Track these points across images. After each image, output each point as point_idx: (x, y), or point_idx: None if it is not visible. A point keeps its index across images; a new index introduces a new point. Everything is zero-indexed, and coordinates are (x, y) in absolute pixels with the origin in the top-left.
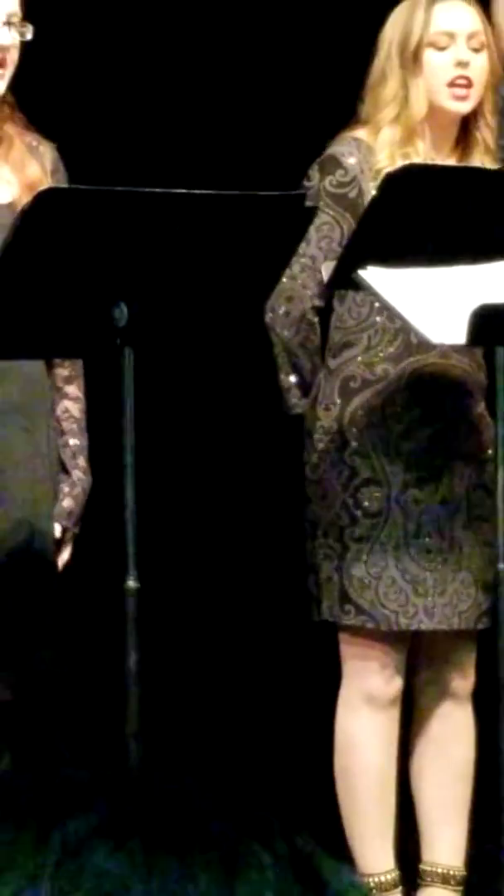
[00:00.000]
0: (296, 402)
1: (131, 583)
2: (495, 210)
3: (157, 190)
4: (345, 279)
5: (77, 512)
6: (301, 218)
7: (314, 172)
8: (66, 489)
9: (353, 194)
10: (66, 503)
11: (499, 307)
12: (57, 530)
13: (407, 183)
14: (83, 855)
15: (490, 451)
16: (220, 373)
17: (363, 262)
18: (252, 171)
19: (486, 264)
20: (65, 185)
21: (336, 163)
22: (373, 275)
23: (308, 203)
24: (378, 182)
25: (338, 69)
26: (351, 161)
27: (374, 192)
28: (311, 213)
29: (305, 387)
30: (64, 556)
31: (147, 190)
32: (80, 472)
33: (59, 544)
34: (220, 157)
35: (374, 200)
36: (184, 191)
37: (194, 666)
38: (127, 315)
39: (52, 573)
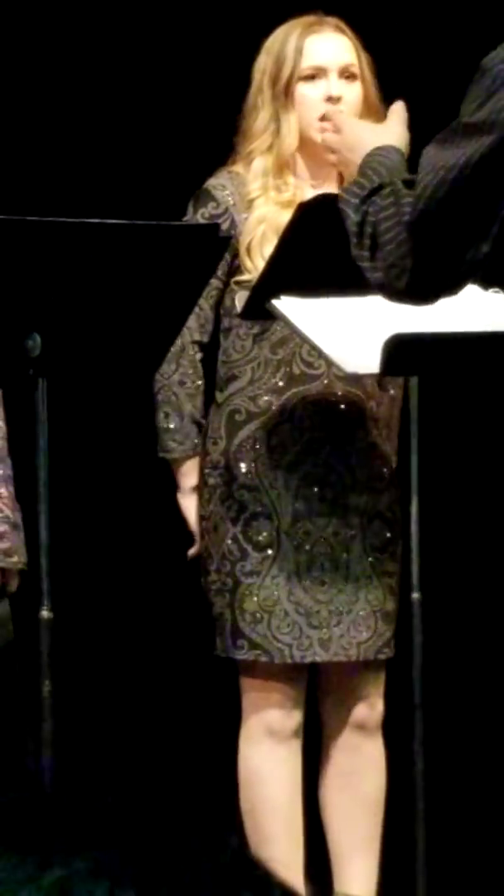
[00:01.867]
0: (173, 445)
1: (45, 612)
2: None
3: (71, 220)
4: (258, 309)
5: (9, 547)
6: (215, 247)
7: (189, 206)
8: None
9: (224, 226)
10: None
11: (412, 336)
12: None
13: (319, 212)
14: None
15: (384, 481)
16: (132, 402)
17: (276, 292)
18: (141, 204)
19: None
20: None
21: (208, 195)
22: (286, 304)
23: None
24: (277, 208)
25: (223, 100)
26: (223, 193)
27: (251, 222)
28: (226, 242)
29: (183, 431)
30: (12, 587)
31: (60, 219)
32: (5, 505)
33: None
34: (111, 187)
35: (287, 230)
36: (97, 220)
37: (105, 696)
38: (40, 345)
39: None
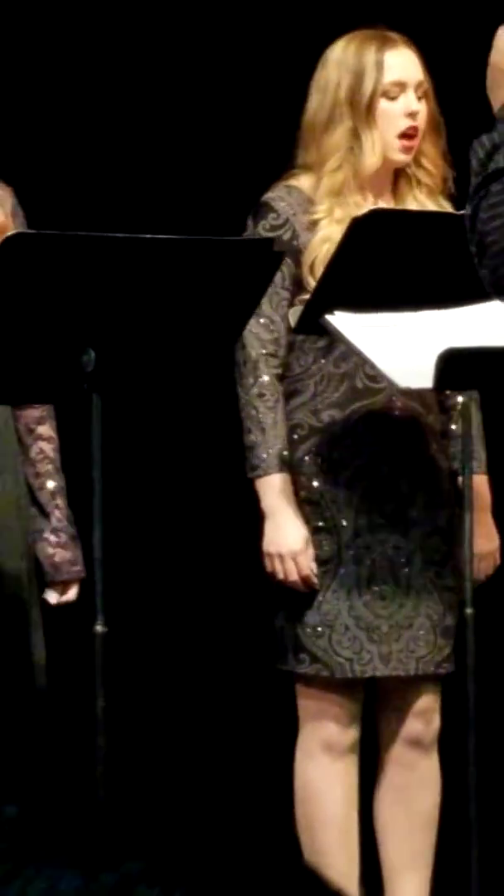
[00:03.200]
0: (256, 463)
1: (99, 627)
2: (460, 254)
3: (126, 235)
4: (312, 324)
5: (71, 556)
6: (269, 263)
7: (249, 221)
8: (52, 538)
9: (286, 236)
10: (57, 556)
11: (465, 351)
12: (52, 597)
13: (373, 227)
14: None
15: (443, 496)
16: (188, 418)
17: (330, 307)
18: (199, 219)
19: (452, 308)
20: (26, 229)
21: (268, 207)
22: (339, 319)
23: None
24: (343, 228)
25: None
26: (282, 205)
27: (313, 239)
28: (280, 257)
29: (266, 447)
30: (70, 595)
31: (115, 235)
32: (61, 516)
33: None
34: (166, 202)
35: (341, 245)
36: (152, 236)
37: (160, 710)
38: (94, 361)
39: (21, 614)
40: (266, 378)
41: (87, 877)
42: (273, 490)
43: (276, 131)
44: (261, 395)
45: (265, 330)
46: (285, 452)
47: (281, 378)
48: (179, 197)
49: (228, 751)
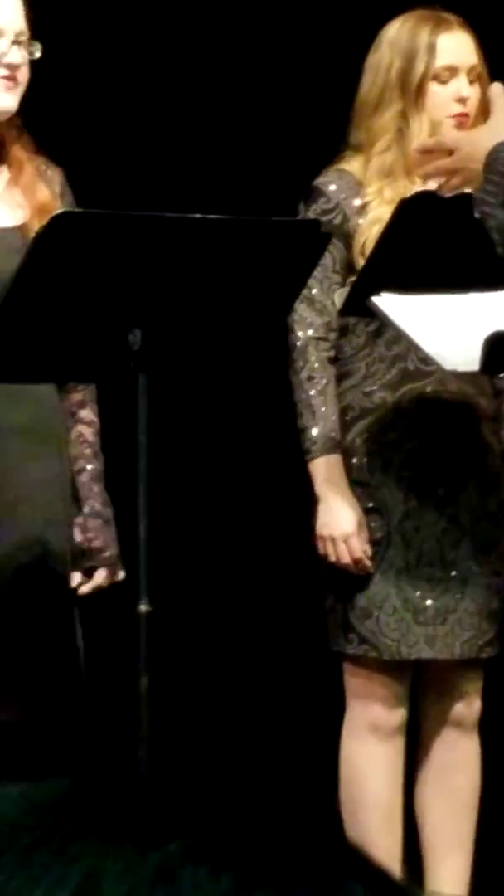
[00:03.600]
0: (308, 446)
1: (143, 607)
2: None
3: (173, 215)
4: (358, 306)
5: (101, 544)
6: (316, 244)
7: (301, 206)
8: (83, 524)
9: (337, 220)
10: (86, 543)
11: None
12: (75, 579)
13: (420, 209)
14: (178, 880)
15: (494, 480)
16: (233, 398)
17: (376, 289)
18: (255, 201)
19: (499, 291)
20: (75, 208)
21: (318, 191)
22: (386, 301)
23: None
24: (392, 208)
25: (338, 97)
26: (332, 189)
27: (363, 222)
28: (327, 238)
29: (318, 430)
30: (98, 580)
31: (162, 214)
32: (96, 501)
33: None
34: (221, 184)
35: (388, 227)
36: (199, 216)
37: (204, 690)
38: (141, 340)
39: (65, 594)
40: (316, 362)
41: (132, 856)
42: (325, 473)
43: (334, 112)
44: (310, 379)
45: (315, 314)
46: (336, 434)
47: (332, 361)
48: (235, 180)
49: (274, 730)
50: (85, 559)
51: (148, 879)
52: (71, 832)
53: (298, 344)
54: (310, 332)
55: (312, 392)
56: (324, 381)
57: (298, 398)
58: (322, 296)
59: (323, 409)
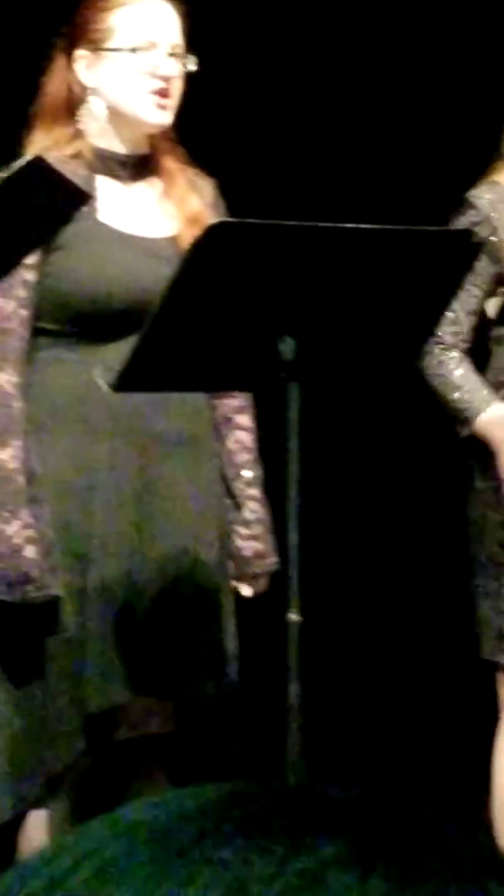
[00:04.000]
0: (466, 413)
1: (293, 616)
2: None
3: (326, 224)
4: None
5: (263, 549)
6: (467, 254)
7: (452, 218)
8: (243, 530)
9: (485, 233)
10: (248, 549)
11: None
12: (246, 590)
13: None
14: (326, 885)
15: None
16: (383, 408)
17: None
18: (408, 212)
19: None
20: (229, 218)
21: (468, 204)
22: None
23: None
24: None
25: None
26: (482, 201)
27: None
28: (477, 249)
29: (471, 394)
30: (259, 586)
31: (315, 224)
32: (255, 504)
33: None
34: (374, 194)
35: None
36: (352, 225)
37: (355, 697)
38: (293, 349)
39: (214, 604)
40: (450, 363)
41: (280, 861)
42: (496, 421)
43: (491, 121)
44: (441, 363)
45: (448, 324)
46: (490, 390)
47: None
48: (389, 190)
49: (426, 740)
50: (246, 565)
51: (296, 884)
52: (220, 838)
53: (430, 352)
54: (441, 343)
55: (450, 371)
56: (456, 361)
57: (438, 389)
58: (458, 307)
59: (465, 377)
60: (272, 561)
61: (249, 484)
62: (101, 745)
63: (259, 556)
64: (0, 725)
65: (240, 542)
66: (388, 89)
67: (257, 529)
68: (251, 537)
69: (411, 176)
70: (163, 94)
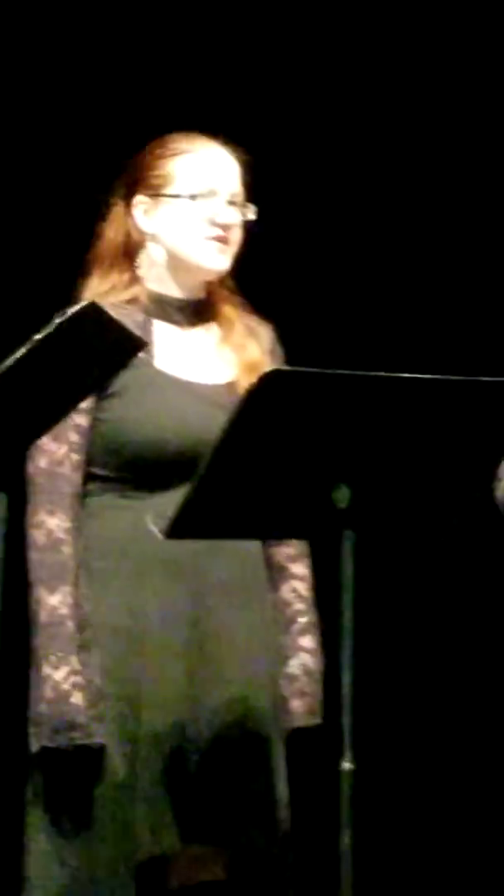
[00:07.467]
0: None
1: (346, 764)
2: None
3: (381, 374)
4: None
5: (306, 707)
6: None
7: None
8: (290, 685)
9: None
10: (294, 702)
11: None
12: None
13: None
14: None
15: None
16: (443, 557)
17: None
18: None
19: None
20: (284, 366)
21: None
22: None
23: None
24: None
25: None
26: None
27: None
28: None
29: None
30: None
31: (371, 374)
32: (307, 656)
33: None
34: (430, 342)
35: None
36: (408, 375)
37: (409, 846)
38: (348, 497)
39: (268, 752)
40: None
41: None
42: None
43: None
44: None
45: None
46: None
47: None
48: (446, 336)
49: (482, 887)
50: (289, 718)
51: None
52: None
53: None
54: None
55: None
56: None
57: None
58: None
59: None
60: (315, 717)
61: (303, 633)
62: (153, 895)
63: (306, 712)
64: (42, 878)
65: (286, 693)
66: (448, 243)
67: (303, 683)
68: (298, 692)
69: (472, 324)
70: (222, 241)
